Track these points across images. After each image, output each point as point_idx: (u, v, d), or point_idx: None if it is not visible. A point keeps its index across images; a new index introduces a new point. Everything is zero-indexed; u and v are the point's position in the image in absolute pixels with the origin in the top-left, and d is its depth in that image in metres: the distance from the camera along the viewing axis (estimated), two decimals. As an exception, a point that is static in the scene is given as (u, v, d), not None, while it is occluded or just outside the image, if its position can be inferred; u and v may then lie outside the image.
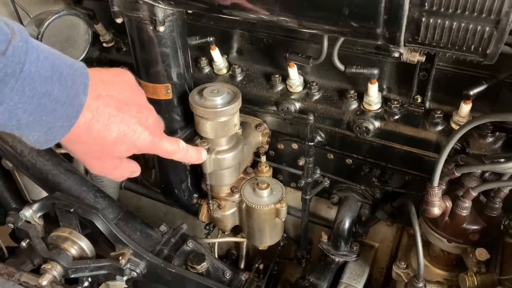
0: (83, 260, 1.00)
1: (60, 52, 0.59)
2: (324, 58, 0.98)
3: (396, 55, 0.71)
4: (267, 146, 1.19)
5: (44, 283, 0.95)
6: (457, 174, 0.85)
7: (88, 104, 0.60)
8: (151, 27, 0.89)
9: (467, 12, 0.58)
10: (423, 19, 0.61)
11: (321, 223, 1.26)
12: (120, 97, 0.65)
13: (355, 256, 1.14)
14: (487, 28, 0.58)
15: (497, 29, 0.58)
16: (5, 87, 0.50)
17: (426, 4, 0.59)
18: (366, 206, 1.14)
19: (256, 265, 1.33)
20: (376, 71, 0.95)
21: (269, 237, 1.17)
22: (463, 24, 0.59)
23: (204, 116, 0.96)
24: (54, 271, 0.96)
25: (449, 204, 0.86)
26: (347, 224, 1.11)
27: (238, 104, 0.97)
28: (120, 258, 0.98)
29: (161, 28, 0.88)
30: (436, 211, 0.84)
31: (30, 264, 1.31)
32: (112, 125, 0.63)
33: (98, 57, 1.30)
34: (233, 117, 0.98)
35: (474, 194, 0.82)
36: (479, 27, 0.59)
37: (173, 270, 0.99)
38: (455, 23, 0.60)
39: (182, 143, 0.76)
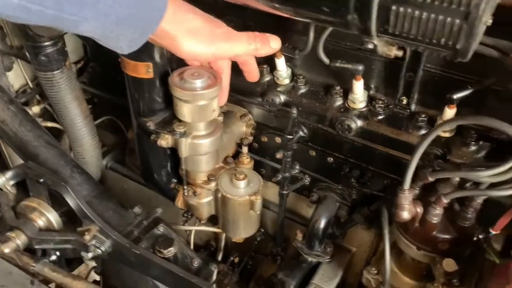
0: (49, 232, 1.00)
1: None
2: (313, 52, 0.96)
3: (371, 46, 0.68)
4: (251, 138, 1.17)
5: (7, 250, 0.95)
6: (431, 179, 0.81)
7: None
8: (133, 2, 0.87)
9: (436, 2, 0.55)
10: (393, 7, 0.58)
11: (300, 221, 1.24)
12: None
13: (328, 257, 1.11)
14: (457, 21, 0.55)
15: (467, 22, 0.55)
16: None
17: (396, -9, 0.57)
18: (344, 208, 1.11)
19: (232, 258, 1.32)
20: (361, 67, 0.92)
21: (243, 229, 1.14)
22: (432, 15, 0.57)
23: (182, 98, 0.94)
24: (18, 239, 0.96)
25: (420, 209, 0.82)
26: (322, 223, 1.08)
27: (217, 89, 0.95)
28: (86, 234, 0.97)
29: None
30: (405, 215, 0.81)
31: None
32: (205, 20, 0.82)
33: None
34: (212, 101, 0.96)
35: (445, 201, 0.79)
36: (448, 19, 0.56)
37: (137, 252, 0.98)
38: (424, 14, 0.57)
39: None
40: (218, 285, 1.25)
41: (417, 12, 0.57)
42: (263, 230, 1.28)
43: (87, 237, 0.96)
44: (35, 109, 1.32)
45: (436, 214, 0.81)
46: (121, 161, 1.46)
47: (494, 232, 0.85)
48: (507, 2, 0.65)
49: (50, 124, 1.31)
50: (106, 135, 1.52)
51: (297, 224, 1.24)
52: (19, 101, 1.32)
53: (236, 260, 1.31)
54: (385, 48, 0.72)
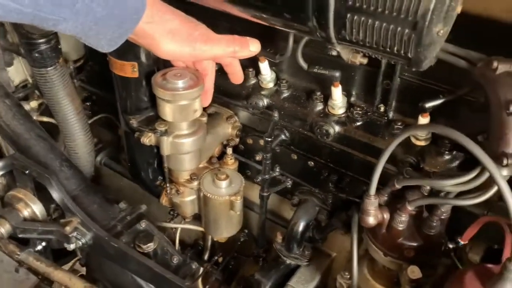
0: (32, 222, 1.03)
1: None
2: (294, 57, 0.98)
3: (334, 53, 0.70)
4: (237, 140, 1.19)
5: (-10, 237, 0.98)
6: (398, 186, 0.82)
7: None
8: (118, 4, 0.91)
9: (387, 12, 0.57)
10: (348, 15, 0.60)
11: (283, 224, 1.25)
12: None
13: (306, 260, 1.12)
14: (406, 30, 0.57)
15: (415, 32, 0.56)
16: None
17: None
18: (323, 212, 1.12)
19: (216, 258, 1.34)
20: (337, 74, 0.93)
21: (224, 228, 1.17)
22: (384, 24, 0.58)
23: (164, 98, 0.97)
24: (2, 228, 1.00)
25: (386, 216, 0.83)
26: (301, 226, 1.09)
27: (199, 89, 0.97)
28: (67, 225, 1.00)
29: (127, 6, 0.90)
30: (371, 220, 0.82)
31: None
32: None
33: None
34: (193, 102, 0.99)
35: (409, 208, 0.80)
36: (399, 29, 0.57)
37: (116, 245, 1.01)
38: (377, 22, 0.58)
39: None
40: (203, 283, 1.28)
41: (370, 21, 0.59)
42: (246, 231, 1.29)
43: (68, 228, 1.00)
44: (33, 104, 1.37)
45: (402, 221, 0.81)
46: (115, 158, 1.49)
47: (462, 242, 0.85)
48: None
49: (46, 119, 1.35)
50: (104, 132, 1.55)
51: (280, 226, 1.25)
52: (19, 95, 1.37)
53: (220, 259, 1.33)
54: (350, 55, 0.73)
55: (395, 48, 0.59)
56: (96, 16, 0.68)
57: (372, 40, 0.61)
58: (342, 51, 0.71)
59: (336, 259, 1.21)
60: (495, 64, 0.70)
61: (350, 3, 0.58)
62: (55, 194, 1.01)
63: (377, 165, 0.78)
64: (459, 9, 0.64)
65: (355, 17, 0.59)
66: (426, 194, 0.86)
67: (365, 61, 0.76)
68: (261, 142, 1.16)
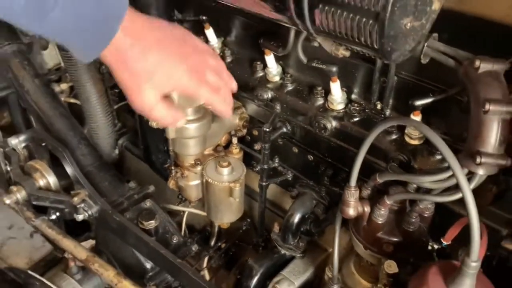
0: (45, 191, 1.12)
1: None
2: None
3: (316, 44, 0.72)
4: (244, 131, 1.23)
5: (7, 201, 1.08)
6: (379, 180, 0.83)
7: (130, 31, 0.67)
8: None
9: (352, 2, 0.59)
10: (320, 5, 0.63)
11: (283, 215, 1.27)
12: (167, 32, 0.72)
13: (300, 252, 1.14)
14: (370, 21, 0.59)
15: (377, 23, 0.58)
16: (56, 4, 0.59)
17: (320, -10, 0.61)
18: (320, 206, 1.14)
19: (219, 244, 1.38)
20: (334, 69, 0.95)
21: (224, 214, 1.21)
22: (351, 15, 0.60)
23: (171, 84, 1.03)
24: (18, 194, 1.09)
25: (367, 208, 0.84)
26: (296, 218, 1.12)
27: (203, 77, 1.02)
28: (76, 196, 1.08)
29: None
30: (351, 211, 0.83)
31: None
32: (150, 53, 0.69)
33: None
34: (197, 89, 1.04)
35: (388, 201, 0.80)
36: (364, 19, 0.59)
37: (117, 219, 1.08)
38: (345, 13, 0.61)
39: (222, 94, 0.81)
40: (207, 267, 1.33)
41: (339, 11, 0.61)
42: (249, 220, 1.33)
43: (75, 199, 1.07)
44: (64, 86, 1.47)
45: (381, 214, 0.82)
46: (135, 143, 1.57)
47: (445, 243, 0.85)
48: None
49: (73, 100, 1.45)
50: (127, 118, 1.64)
51: (281, 218, 1.28)
52: (51, 77, 1.48)
53: (223, 246, 1.37)
54: (332, 47, 0.75)
55: (363, 39, 0.62)
56: (67, 29, 0.64)
57: (342, 30, 0.63)
58: (323, 42, 0.73)
59: (332, 254, 1.22)
60: (477, 63, 0.71)
61: (320, -7, 0.61)
62: (68, 167, 1.10)
63: (357, 156, 0.79)
64: (436, 6, 0.65)
65: (326, 7, 0.62)
66: (411, 191, 0.86)
67: (347, 53, 0.78)
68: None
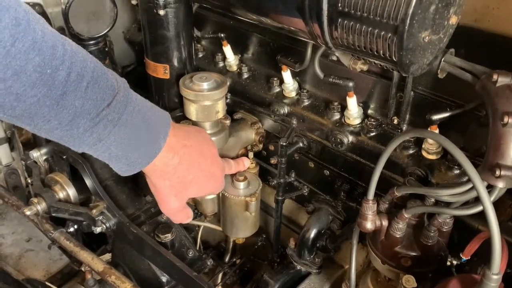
0: (65, 203, 1.13)
1: (151, 104, 0.75)
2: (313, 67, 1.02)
3: (334, 58, 0.74)
4: (261, 146, 1.25)
5: (28, 213, 1.10)
6: (397, 194, 0.83)
7: (176, 151, 0.77)
8: (154, 10, 1.01)
9: (372, 16, 0.60)
10: (339, 19, 0.64)
11: (299, 231, 1.27)
12: (199, 148, 0.83)
13: (316, 268, 1.14)
14: (389, 34, 0.60)
15: (396, 36, 0.59)
16: (105, 129, 0.64)
17: (339, 5, 0.63)
18: (336, 221, 1.13)
19: (234, 259, 1.38)
20: (351, 84, 0.97)
21: (240, 229, 1.21)
22: (370, 28, 0.62)
23: (189, 98, 1.05)
24: (39, 205, 1.11)
25: (385, 222, 0.84)
26: (312, 234, 1.12)
27: (222, 91, 1.04)
28: (94, 209, 1.10)
29: (161, 12, 1.00)
30: (368, 225, 0.83)
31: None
32: (192, 169, 0.81)
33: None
34: (216, 103, 1.06)
35: (406, 215, 0.80)
36: (382, 32, 0.61)
37: (135, 231, 1.09)
38: (364, 27, 0.62)
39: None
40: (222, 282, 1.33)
41: (358, 25, 0.63)
42: (264, 236, 1.33)
43: (94, 211, 1.09)
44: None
45: (399, 228, 0.82)
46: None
47: (464, 258, 0.84)
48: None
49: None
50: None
51: (297, 233, 1.28)
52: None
53: (238, 261, 1.37)
54: (350, 61, 0.77)
55: (381, 52, 0.63)
56: (111, 155, 0.70)
57: (361, 43, 0.64)
58: (342, 57, 0.75)
59: (349, 269, 1.21)
60: (495, 76, 0.71)
61: (340, 8, 0.63)
62: (87, 179, 1.11)
63: (375, 169, 0.80)
64: (454, 20, 0.67)
65: (345, 21, 0.64)
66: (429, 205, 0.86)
67: (365, 67, 0.79)
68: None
